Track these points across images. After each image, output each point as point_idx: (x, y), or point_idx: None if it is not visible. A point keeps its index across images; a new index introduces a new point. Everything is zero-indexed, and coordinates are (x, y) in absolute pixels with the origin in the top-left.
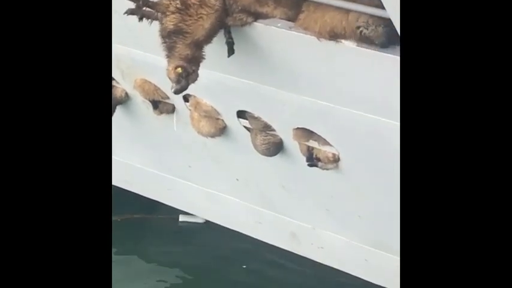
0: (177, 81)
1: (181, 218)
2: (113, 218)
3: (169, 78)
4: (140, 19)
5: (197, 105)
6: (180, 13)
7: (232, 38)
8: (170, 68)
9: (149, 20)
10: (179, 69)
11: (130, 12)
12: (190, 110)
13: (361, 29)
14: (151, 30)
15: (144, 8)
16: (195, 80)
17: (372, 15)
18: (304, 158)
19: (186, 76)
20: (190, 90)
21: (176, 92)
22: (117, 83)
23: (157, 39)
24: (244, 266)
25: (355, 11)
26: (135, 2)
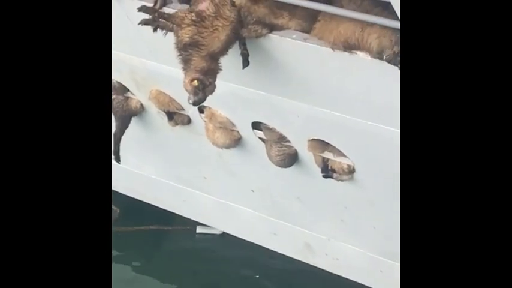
0: (195, 94)
1: (199, 229)
2: (129, 229)
3: (187, 90)
4: (155, 30)
5: (212, 117)
6: (195, 25)
7: (247, 50)
8: (187, 81)
9: (164, 31)
10: (196, 82)
11: (144, 22)
12: (205, 121)
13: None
14: (166, 41)
15: (159, 20)
16: (213, 91)
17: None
18: (319, 169)
19: (203, 88)
20: (205, 101)
21: (194, 104)
22: (133, 94)
23: (173, 51)
24: (258, 276)
25: (369, 22)
26: (150, 14)
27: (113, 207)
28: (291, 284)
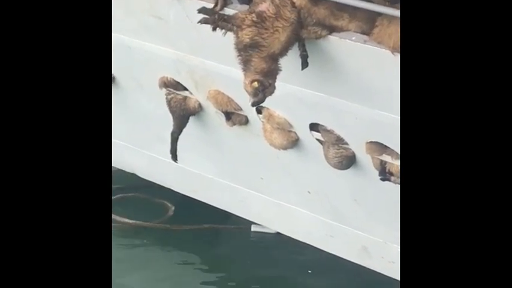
0: (254, 95)
1: (254, 228)
2: (183, 227)
3: (247, 91)
4: (214, 29)
5: (270, 117)
6: (256, 26)
7: (306, 51)
8: (247, 82)
9: (223, 30)
10: (256, 83)
11: (204, 21)
12: (263, 122)
13: None
14: (225, 41)
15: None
16: (272, 92)
17: None
18: (377, 172)
19: (263, 90)
20: (263, 102)
21: (254, 105)
22: (191, 93)
23: (232, 51)
24: (310, 271)
25: None
26: (210, 15)
27: (168, 204)
28: (343, 280)
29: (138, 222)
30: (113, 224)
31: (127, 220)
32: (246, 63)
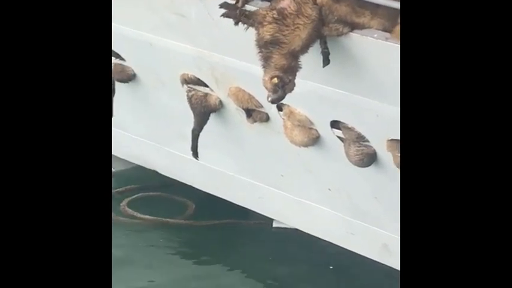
0: (274, 91)
1: (275, 224)
2: (204, 223)
3: (266, 88)
4: (236, 23)
5: (291, 115)
6: (277, 23)
7: (327, 48)
8: (266, 78)
9: (245, 25)
10: (275, 80)
11: (226, 15)
12: (283, 119)
13: None
14: (246, 38)
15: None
16: (292, 89)
17: None
18: (398, 170)
19: (282, 86)
20: (284, 99)
21: (273, 102)
22: (212, 90)
23: (253, 48)
24: (331, 267)
25: None
26: (231, 11)
27: (189, 202)
28: (364, 275)
29: (158, 218)
30: (133, 221)
31: (148, 217)
32: (266, 60)
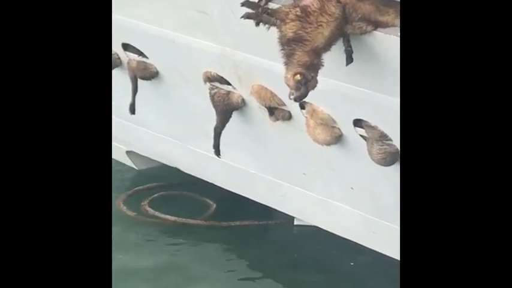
0: (296, 88)
1: (296, 221)
2: (225, 224)
3: (288, 85)
4: (257, 24)
5: (313, 113)
6: (299, 20)
7: (351, 47)
8: (289, 75)
9: (267, 25)
10: (298, 76)
11: (247, 16)
12: (306, 117)
13: None
14: (269, 36)
15: (263, 15)
16: (314, 86)
17: None
18: None
19: (305, 83)
20: (307, 97)
21: (296, 100)
22: (234, 88)
23: (275, 46)
24: (352, 263)
25: None
26: (254, 9)
27: (209, 201)
28: (386, 271)
29: (179, 219)
30: (154, 221)
31: (168, 216)
32: (288, 57)
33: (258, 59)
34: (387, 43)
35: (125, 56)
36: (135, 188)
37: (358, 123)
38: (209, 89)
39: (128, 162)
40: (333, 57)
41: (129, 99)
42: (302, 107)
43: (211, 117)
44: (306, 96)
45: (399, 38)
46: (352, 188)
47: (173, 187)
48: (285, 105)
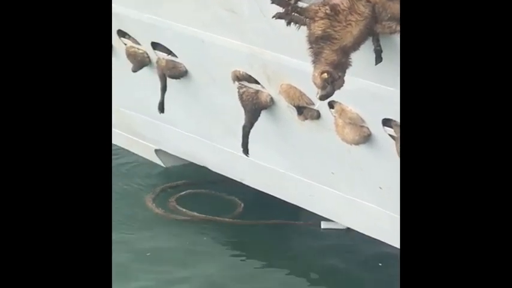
0: (323, 87)
1: (323, 225)
2: (253, 222)
3: (315, 83)
4: (288, 24)
5: (342, 112)
6: (329, 19)
7: (380, 46)
8: (316, 74)
9: (297, 25)
10: (325, 75)
11: (278, 16)
12: (334, 116)
13: None
14: (298, 35)
15: (292, 14)
16: (341, 86)
17: None
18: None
19: (331, 82)
20: (336, 96)
21: (322, 98)
22: (263, 87)
23: (304, 45)
24: (380, 264)
25: None
26: (284, 8)
27: (237, 200)
28: None
29: (206, 216)
30: (182, 218)
31: (195, 213)
32: (316, 56)
33: (287, 58)
34: None
35: (154, 55)
36: (163, 186)
37: (386, 122)
38: (238, 88)
39: (157, 160)
40: (362, 57)
41: (158, 98)
42: (331, 106)
43: (239, 116)
44: (331, 95)
45: None
46: (380, 188)
47: (202, 185)
48: (313, 104)
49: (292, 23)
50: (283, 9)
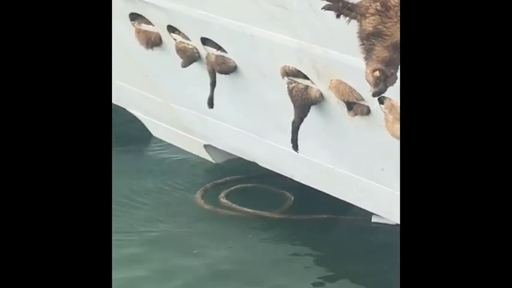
0: (375, 85)
1: (374, 219)
2: (302, 217)
3: (368, 81)
4: (338, 16)
5: (392, 108)
6: (379, 15)
7: None
8: (368, 71)
9: (347, 18)
10: (377, 73)
11: (328, 7)
12: (385, 112)
13: None
14: (348, 30)
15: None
16: (394, 83)
17: None
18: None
19: (384, 79)
20: (386, 92)
21: (374, 95)
22: (312, 83)
23: (355, 40)
24: None
25: None
26: (334, 3)
27: (288, 194)
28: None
29: (256, 211)
30: (232, 213)
31: (245, 209)
32: (368, 52)
33: (337, 54)
34: None
35: (203, 50)
36: (214, 181)
37: None
38: (287, 83)
39: (206, 156)
40: None
41: (208, 94)
42: (381, 102)
43: (289, 112)
44: (384, 91)
45: None
46: None
47: (251, 180)
48: (363, 100)
49: (341, 16)
50: (334, 5)
